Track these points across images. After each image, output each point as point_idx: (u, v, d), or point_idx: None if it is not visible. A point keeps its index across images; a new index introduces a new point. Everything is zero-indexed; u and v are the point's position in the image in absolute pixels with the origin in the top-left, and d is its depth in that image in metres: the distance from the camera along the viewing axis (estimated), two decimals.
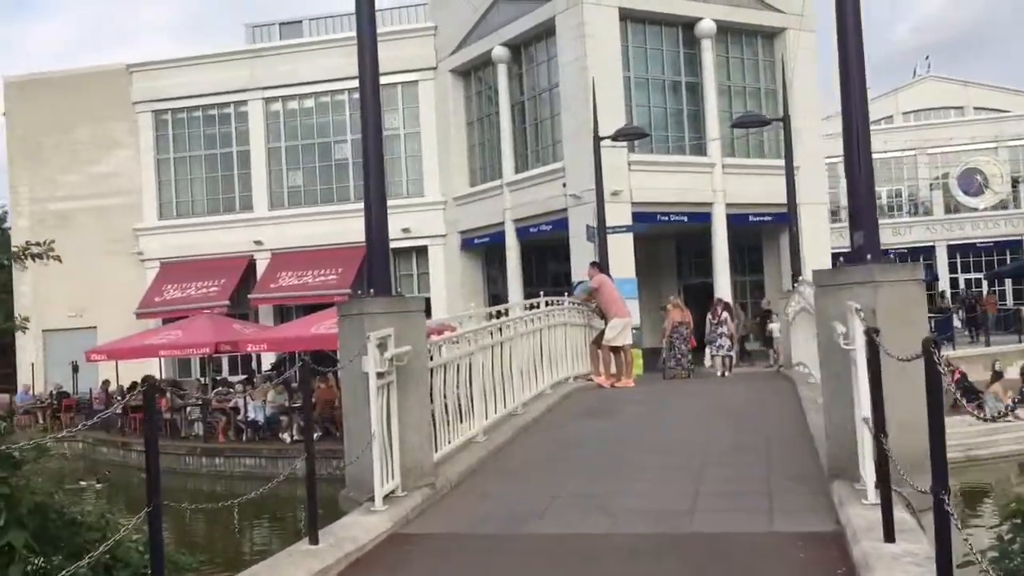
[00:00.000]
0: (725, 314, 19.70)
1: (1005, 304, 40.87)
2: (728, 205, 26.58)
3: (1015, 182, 45.19)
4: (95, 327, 31.22)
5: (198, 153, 32.57)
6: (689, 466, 7.22)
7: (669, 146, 26.86)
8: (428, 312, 19.36)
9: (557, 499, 6.48)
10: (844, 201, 45.34)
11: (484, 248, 30.25)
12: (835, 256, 41.80)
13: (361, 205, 7.06)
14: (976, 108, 50.46)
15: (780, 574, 4.68)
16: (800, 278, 16.56)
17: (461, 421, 8.02)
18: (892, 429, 5.40)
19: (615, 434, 9.14)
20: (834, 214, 44.03)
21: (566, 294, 13.85)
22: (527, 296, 23.18)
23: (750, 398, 11.27)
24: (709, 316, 19.84)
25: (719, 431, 8.86)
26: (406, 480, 6.50)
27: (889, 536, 4.51)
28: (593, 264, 14.14)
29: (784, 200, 27.57)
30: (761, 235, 29.45)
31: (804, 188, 22.97)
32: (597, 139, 16.69)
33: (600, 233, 17.30)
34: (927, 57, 54.32)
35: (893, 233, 44.94)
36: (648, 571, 4.86)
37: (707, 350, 19.96)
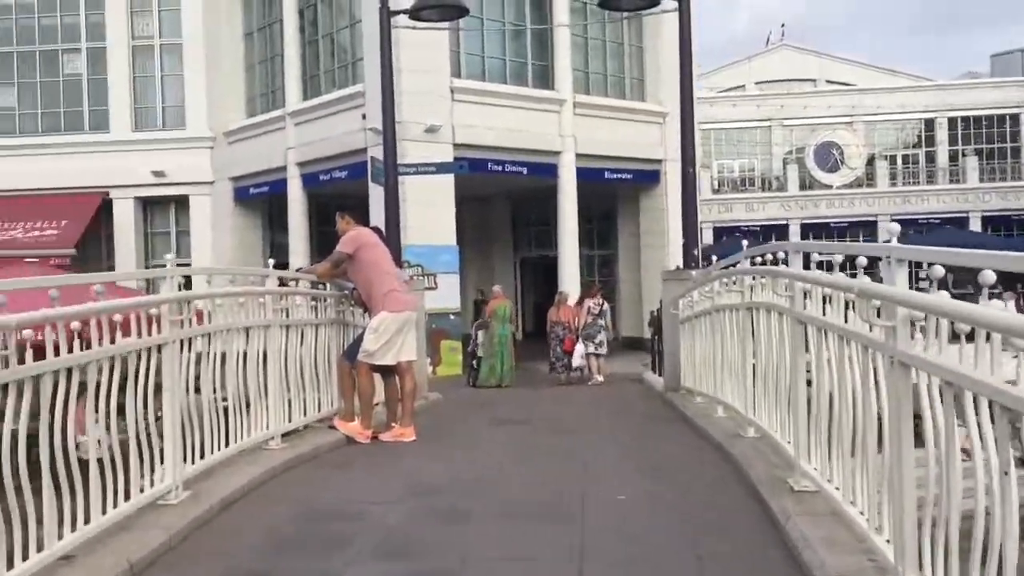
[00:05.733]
0: (603, 301, 16.46)
1: None
2: (579, 156, 20.68)
3: (870, 159, 42.06)
4: None
5: None
6: None
7: (507, 74, 20.68)
8: (189, 286, 12.45)
9: None
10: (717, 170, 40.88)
11: (265, 201, 23.19)
12: (719, 232, 37.23)
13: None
14: (828, 81, 47.45)
15: None
16: (697, 253, 10.72)
17: None
18: None
19: None
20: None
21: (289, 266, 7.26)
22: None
23: (661, 500, 4.67)
24: (590, 303, 16.21)
25: None
26: None
27: None
28: (344, 213, 7.48)
29: (649, 155, 22.14)
30: (616, 198, 23.79)
31: (672, 140, 17.10)
32: (387, 12, 10.07)
33: (387, 170, 10.75)
34: (782, 25, 50.43)
35: (747, 209, 41.10)
36: None
37: (577, 348, 15.64)
